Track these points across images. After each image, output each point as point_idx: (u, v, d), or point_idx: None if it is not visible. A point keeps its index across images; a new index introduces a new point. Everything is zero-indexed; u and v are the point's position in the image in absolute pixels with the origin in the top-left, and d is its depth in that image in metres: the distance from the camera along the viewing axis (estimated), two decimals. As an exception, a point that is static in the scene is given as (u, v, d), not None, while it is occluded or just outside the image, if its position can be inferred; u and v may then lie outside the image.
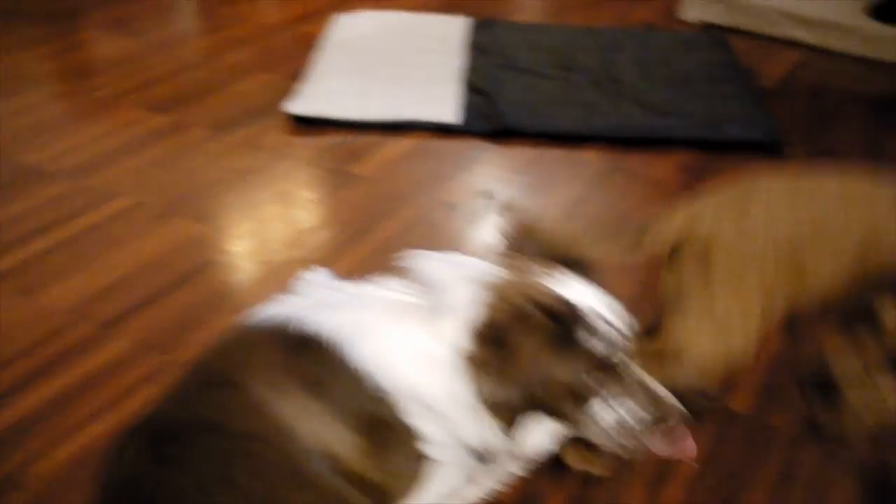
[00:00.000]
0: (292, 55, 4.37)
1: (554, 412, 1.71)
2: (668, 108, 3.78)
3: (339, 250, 2.91)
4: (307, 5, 5.08)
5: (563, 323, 1.64)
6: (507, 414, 1.69)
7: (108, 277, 2.74)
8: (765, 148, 3.60)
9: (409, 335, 1.67)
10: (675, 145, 3.61)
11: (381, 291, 1.74)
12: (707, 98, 3.90)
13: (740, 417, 2.27)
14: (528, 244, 1.83)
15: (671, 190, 3.34)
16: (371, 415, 1.67)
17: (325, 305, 1.71)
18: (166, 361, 2.39)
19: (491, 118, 3.68)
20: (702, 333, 1.89)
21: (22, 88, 3.97)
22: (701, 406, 1.73)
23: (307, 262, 1.88)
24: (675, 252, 1.98)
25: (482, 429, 1.78)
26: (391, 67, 4.15)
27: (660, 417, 1.72)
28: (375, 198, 3.25)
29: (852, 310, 1.61)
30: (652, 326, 2.00)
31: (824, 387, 1.60)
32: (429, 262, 1.75)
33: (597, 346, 1.65)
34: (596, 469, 2.10)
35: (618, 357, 1.70)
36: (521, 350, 1.62)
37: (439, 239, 3.00)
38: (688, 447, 1.76)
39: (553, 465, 2.13)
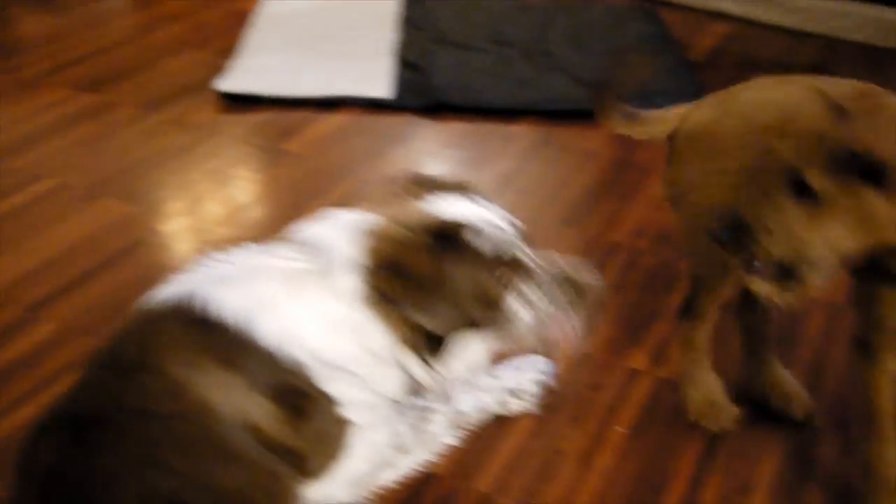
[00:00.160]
0: (223, 31, 4.31)
1: (472, 323, 1.75)
2: (599, 81, 3.80)
3: (272, 227, 2.87)
4: (238, -19, 5.02)
5: (448, 236, 1.70)
6: (427, 341, 1.73)
7: (33, 260, 2.70)
8: (695, 119, 3.64)
9: (309, 303, 1.70)
10: (607, 117, 3.63)
11: (272, 261, 1.76)
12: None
13: (671, 382, 2.31)
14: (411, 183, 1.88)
15: (603, 161, 3.37)
16: (287, 385, 1.69)
17: (222, 280, 1.71)
18: (94, 345, 2.35)
19: (423, 93, 3.67)
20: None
21: (-58, 68, 3.88)
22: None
23: (241, 241, 1.87)
24: (671, 142, 2.18)
25: (402, 376, 1.82)
26: (323, 43, 4.12)
27: (575, 295, 1.80)
28: (308, 174, 3.23)
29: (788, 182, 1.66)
30: None
31: (736, 229, 1.65)
32: (310, 226, 1.79)
33: (489, 247, 1.72)
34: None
35: (515, 252, 1.76)
36: (417, 273, 1.67)
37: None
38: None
39: (492, 429, 2.16)
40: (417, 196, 1.81)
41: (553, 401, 2.26)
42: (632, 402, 2.29)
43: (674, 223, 2.18)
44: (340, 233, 1.74)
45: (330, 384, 1.74)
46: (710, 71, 4.08)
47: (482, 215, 1.78)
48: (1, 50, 4.14)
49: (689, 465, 2.12)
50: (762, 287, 1.68)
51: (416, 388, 1.87)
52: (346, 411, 1.79)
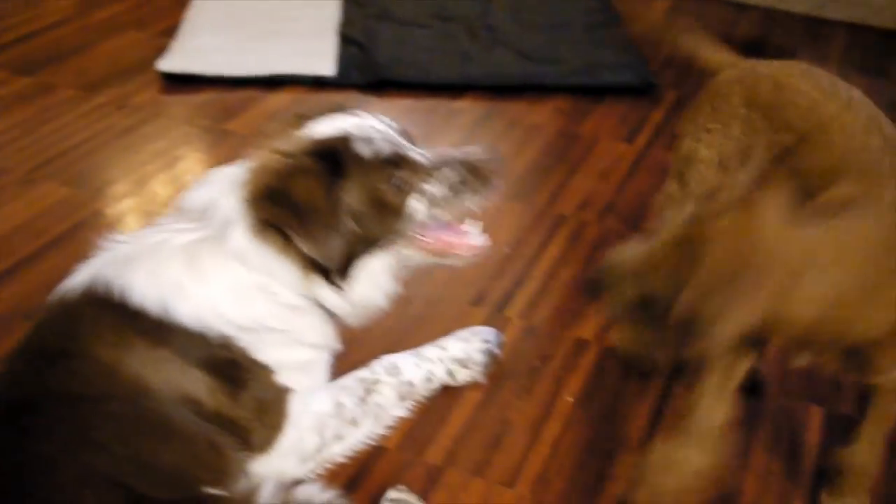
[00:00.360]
0: (164, 11, 4.24)
1: (373, 240, 1.77)
2: (544, 55, 3.81)
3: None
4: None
5: (330, 152, 1.71)
6: (339, 263, 1.74)
7: (-28, 246, 2.66)
8: (639, 91, 3.67)
9: (213, 277, 1.72)
10: (552, 91, 3.65)
11: (167, 236, 1.76)
12: (582, 44, 3.94)
13: (616, 351, 2.34)
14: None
15: (549, 135, 3.38)
16: (218, 357, 1.70)
17: (125, 262, 1.71)
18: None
19: (367, 70, 3.65)
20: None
21: None
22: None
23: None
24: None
25: (322, 319, 1.84)
26: (266, 21, 4.07)
27: (471, 177, 1.83)
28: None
29: None
30: None
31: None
32: (195, 190, 1.81)
33: (375, 153, 1.73)
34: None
35: (404, 151, 1.79)
36: (298, 195, 1.68)
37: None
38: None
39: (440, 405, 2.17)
40: (297, 127, 1.82)
41: (501, 372, 2.28)
42: (579, 372, 2.31)
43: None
44: (223, 189, 1.75)
45: (259, 351, 1.75)
46: (653, 44, 4.11)
47: (362, 124, 1.78)
48: (-68, 33, 4.04)
49: (638, 431, 2.15)
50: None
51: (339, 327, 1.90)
52: (282, 377, 1.79)
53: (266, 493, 1.72)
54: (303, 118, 1.85)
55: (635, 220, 2.88)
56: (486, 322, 2.36)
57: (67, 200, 2.89)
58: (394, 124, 1.87)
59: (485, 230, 1.94)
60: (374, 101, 3.55)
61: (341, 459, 1.97)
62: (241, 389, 1.74)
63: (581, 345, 2.39)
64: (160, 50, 3.77)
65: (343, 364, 2.09)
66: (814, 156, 1.82)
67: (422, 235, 1.85)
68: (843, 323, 1.52)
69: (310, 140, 1.76)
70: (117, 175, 3.07)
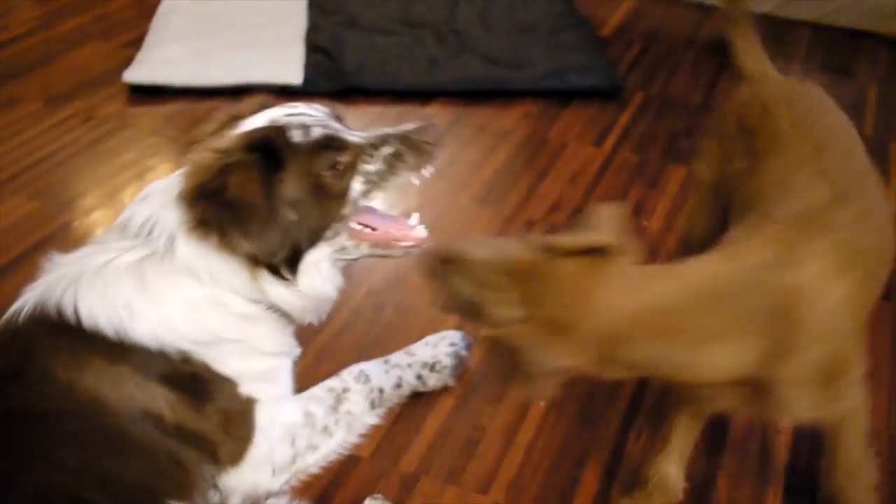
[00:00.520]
0: (129, 22, 4.22)
1: (322, 219, 1.76)
2: (511, 60, 3.82)
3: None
4: (143, -31, 4.91)
5: (262, 144, 1.70)
6: (282, 256, 1.72)
7: (-64, 263, 2.63)
8: (606, 94, 3.69)
9: (161, 295, 1.70)
10: (520, 96, 3.66)
11: (110, 256, 1.73)
12: (549, 48, 3.95)
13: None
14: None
15: (517, 140, 3.40)
16: (179, 371, 1.68)
17: (74, 283, 1.69)
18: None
19: (334, 77, 3.65)
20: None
21: None
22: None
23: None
24: None
25: (276, 325, 1.84)
26: (232, 30, 4.05)
27: (410, 150, 1.83)
28: (221, 164, 3.19)
29: None
30: None
31: None
32: (133, 207, 1.78)
33: (308, 138, 1.73)
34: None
35: (338, 134, 1.78)
36: (239, 190, 1.66)
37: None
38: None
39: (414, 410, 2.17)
40: (231, 127, 1.81)
41: (474, 379, 2.28)
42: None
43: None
44: (163, 202, 1.73)
45: (219, 363, 1.75)
46: (619, 46, 4.14)
47: (294, 113, 1.78)
48: None
49: (611, 434, 2.17)
50: None
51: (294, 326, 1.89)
52: (246, 388, 1.79)
53: (234, 506, 1.72)
54: (236, 118, 1.83)
55: (605, 223, 2.90)
56: (459, 328, 2.36)
57: (34, 215, 2.87)
58: (327, 110, 1.87)
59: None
60: (342, 108, 3.53)
61: (315, 470, 1.97)
62: (205, 402, 1.73)
63: (553, 349, 2.39)
64: (126, 61, 3.74)
65: (316, 375, 2.09)
66: (756, 186, 1.80)
67: (365, 226, 1.86)
68: (679, 371, 1.53)
69: (242, 134, 1.74)
70: (85, 188, 3.05)
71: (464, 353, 2.25)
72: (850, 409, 1.73)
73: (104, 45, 4.03)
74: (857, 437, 1.82)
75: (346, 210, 1.80)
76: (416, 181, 1.87)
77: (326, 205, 1.76)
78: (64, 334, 1.65)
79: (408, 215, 1.96)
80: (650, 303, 1.46)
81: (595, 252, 1.44)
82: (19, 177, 3.06)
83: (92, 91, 3.62)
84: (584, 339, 1.42)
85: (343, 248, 1.85)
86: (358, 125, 1.91)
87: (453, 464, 2.08)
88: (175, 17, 4.13)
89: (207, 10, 4.22)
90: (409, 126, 1.87)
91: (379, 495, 1.97)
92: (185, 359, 1.70)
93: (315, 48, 3.83)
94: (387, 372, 2.13)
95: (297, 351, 1.98)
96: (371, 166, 1.81)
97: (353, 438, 2.02)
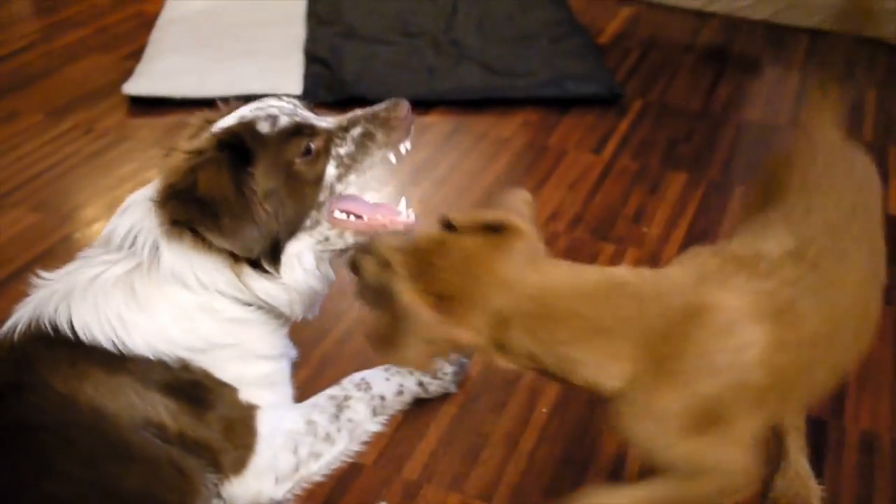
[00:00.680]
0: (129, 35, 4.24)
1: (299, 208, 1.76)
2: (510, 69, 3.84)
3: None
4: (142, -18, 4.93)
5: (232, 140, 1.70)
6: (260, 250, 1.71)
7: (-61, 276, 2.64)
8: (605, 101, 3.70)
9: (152, 306, 1.70)
10: (519, 104, 3.68)
11: (97, 270, 1.73)
12: (548, 56, 3.97)
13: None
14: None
15: (517, 148, 3.41)
16: (179, 379, 1.68)
17: (66, 298, 1.69)
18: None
19: (333, 87, 3.66)
20: None
21: None
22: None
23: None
24: None
25: (268, 326, 1.82)
26: (231, 41, 4.07)
27: (383, 130, 1.82)
28: (222, 175, 3.20)
29: None
30: None
31: None
32: (116, 219, 1.78)
33: (279, 126, 1.73)
34: None
35: (308, 121, 1.77)
36: (208, 187, 1.66)
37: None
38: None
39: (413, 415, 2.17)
40: (205, 130, 1.80)
41: (476, 386, 2.29)
42: (554, 383, 2.31)
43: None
44: (144, 212, 1.73)
45: (217, 369, 1.75)
46: (617, 53, 4.15)
47: (262, 106, 1.78)
48: None
49: (613, 441, 2.17)
50: None
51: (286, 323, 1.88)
52: (246, 394, 1.79)
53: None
54: (209, 121, 1.83)
55: (605, 230, 2.91)
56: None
57: (37, 226, 2.88)
58: (296, 100, 1.87)
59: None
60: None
61: (318, 478, 1.96)
62: (207, 410, 1.73)
63: (554, 356, 2.40)
64: (126, 73, 3.77)
65: (318, 384, 2.10)
66: (744, 225, 1.74)
67: (350, 214, 1.84)
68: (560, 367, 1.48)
69: (211, 134, 1.74)
70: (86, 200, 3.06)
71: (465, 359, 2.25)
72: (714, 467, 1.50)
73: (104, 57, 4.04)
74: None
75: (322, 196, 1.78)
76: (392, 159, 1.86)
77: (301, 192, 1.75)
78: (61, 348, 1.65)
79: (396, 201, 1.94)
80: (540, 284, 1.43)
81: (495, 232, 1.44)
82: (20, 189, 3.07)
83: (92, 103, 3.64)
84: (471, 314, 1.41)
85: (326, 239, 1.83)
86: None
87: (456, 471, 2.09)
88: (174, 29, 4.15)
89: (206, 22, 4.24)
90: (378, 106, 1.85)
91: (383, 503, 1.97)
92: (185, 367, 1.70)
93: (314, 58, 3.85)
94: (388, 379, 2.13)
95: (293, 353, 1.97)
96: (343, 149, 1.79)
97: (355, 446, 2.02)
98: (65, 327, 1.65)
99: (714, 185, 3.17)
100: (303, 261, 1.81)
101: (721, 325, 1.43)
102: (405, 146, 1.86)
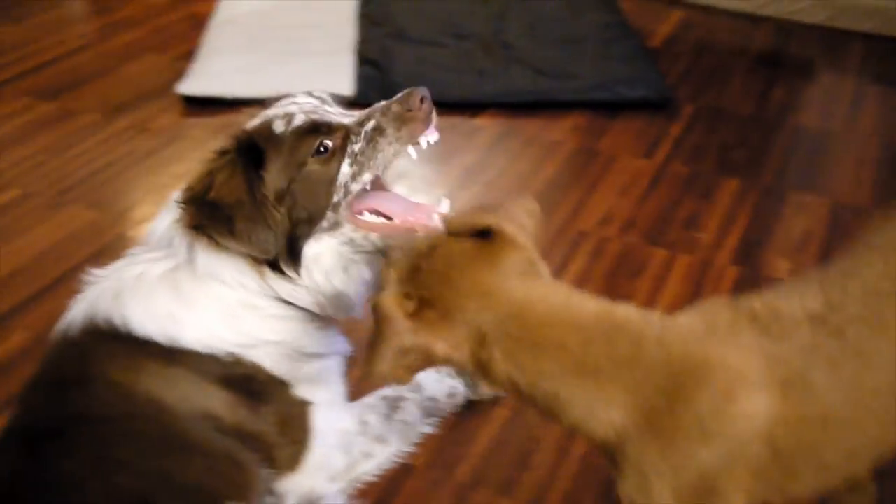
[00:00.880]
0: (183, 35, 4.29)
1: (316, 207, 1.73)
2: (560, 72, 3.83)
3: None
4: (195, -17, 4.99)
5: (247, 141, 1.70)
6: (275, 251, 1.71)
7: (1, 270, 2.68)
8: (656, 105, 3.68)
9: (198, 302, 1.72)
10: (569, 107, 3.66)
11: (143, 268, 1.76)
12: (598, 59, 3.96)
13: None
14: None
15: (567, 151, 3.40)
16: (234, 374, 1.70)
17: (116, 296, 1.71)
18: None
19: (384, 89, 3.66)
20: None
21: None
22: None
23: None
24: None
25: (304, 322, 1.81)
26: (283, 42, 4.11)
27: (400, 123, 1.75)
28: (274, 175, 3.23)
29: None
30: None
31: None
32: (156, 220, 1.81)
33: (294, 125, 1.71)
34: None
35: (326, 118, 1.74)
36: (218, 191, 1.67)
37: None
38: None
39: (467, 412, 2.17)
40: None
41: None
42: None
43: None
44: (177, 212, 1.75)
45: (269, 365, 1.76)
46: (668, 57, 4.12)
47: (285, 104, 1.79)
48: (-43, 60, 4.10)
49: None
50: None
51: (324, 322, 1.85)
52: (298, 390, 1.80)
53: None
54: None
55: (656, 236, 2.89)
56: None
57: (93, 224, 2.93)
58: (326, 96, 1.85)
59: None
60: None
61: (370, 478, 1.98)
62: (262, 404, 1.74)
63: (605, 361, 2.39)
64: (180, 73, 3.81)
65: (371, 382, 2.10)
66: None
67: (380, 215, 1.79)
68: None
69: (232, 136, 1.74)
70: (140, 198, 3.10)
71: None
72: None
73: (159, 57, 4.10)
74: None
75: (337, 196, 1.74)
76: (410, 153, 1.77)
77: (314, 192, 1.72)
78: (118, 342, 1.68)
79: (437, 201, 1.85)
80: (526, 303, 1.33)
81: (485, 238, 1.36)
82: (77, 187, 3.12)
83: (147, 103, 3.69)
84: (449, 325, 1.31)
85: (351, 241, 1.78)
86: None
87: (507, 475, 2.08)
88: (227, 29, 4.19)
89: (259, 23, 4.28)
90: (396, 97, 1.77)
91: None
92: (237, 361, 1.72)
93: (365, 60, 3.87)
94: (439, 381, 2.13)
95: (347, 349, 1.97)
96: (356, 146, 1.73)
97: (407, 447, 2.03)
98: (119, 322, 1.68)
99: (767, 191, 3.14)
100: (321, 263, 1.77)
101: (721, 387, 1.31)
102: (427, 138, 1.76)
